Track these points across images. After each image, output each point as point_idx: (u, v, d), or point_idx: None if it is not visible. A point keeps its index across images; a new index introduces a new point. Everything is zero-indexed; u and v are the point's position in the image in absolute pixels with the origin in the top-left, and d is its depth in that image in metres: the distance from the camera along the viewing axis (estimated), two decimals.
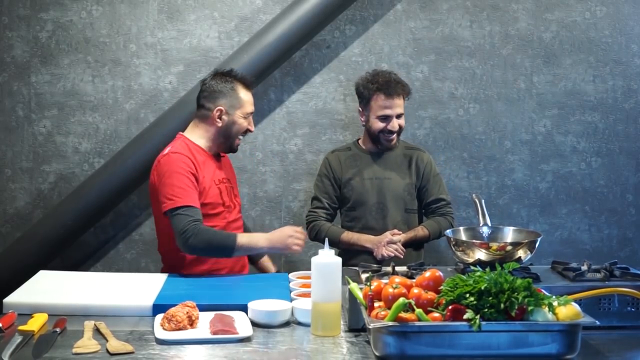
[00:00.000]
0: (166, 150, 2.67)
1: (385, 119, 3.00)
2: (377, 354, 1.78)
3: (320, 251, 1.99)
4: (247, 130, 2.78)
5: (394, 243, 2.88)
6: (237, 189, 2.86)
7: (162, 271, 2.69)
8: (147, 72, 3.59)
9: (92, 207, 3.43)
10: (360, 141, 3.19)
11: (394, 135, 3.04)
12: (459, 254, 2.27)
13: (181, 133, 2.77)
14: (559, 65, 3.71)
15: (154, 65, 3.58)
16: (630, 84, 3.75)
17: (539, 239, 2.24)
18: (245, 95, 2.75)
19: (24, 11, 3.54)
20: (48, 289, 2.28)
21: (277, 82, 3.63)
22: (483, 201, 2.48)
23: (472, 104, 3.70)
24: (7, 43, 3.55)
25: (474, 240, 2.30)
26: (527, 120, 3.74)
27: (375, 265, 2.41)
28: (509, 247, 2.21)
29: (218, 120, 2.72)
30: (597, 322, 1.79)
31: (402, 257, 2.85)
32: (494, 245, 2.21)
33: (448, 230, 2.40)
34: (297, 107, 3.67)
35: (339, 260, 1.98)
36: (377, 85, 3.00)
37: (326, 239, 2.10)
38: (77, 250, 3.62)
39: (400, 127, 3.04)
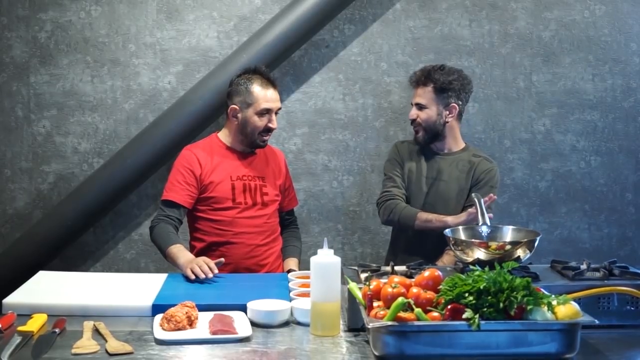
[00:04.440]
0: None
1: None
2: (376, 353, 1.78)
3: (319, 251, 1.99)
4: (269, 129, 2.78)
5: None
6: (273, 187, 2.88)
7: None
8: (146, 72, 3.58)
9: (92, 207, 3.44)
10: None
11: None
12: (458, 253, 2.27)
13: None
14: (558, 64, 3.71)
15: (153, 65, 3.58)
16: (630, 83, 3.75)
17: (538, 238, 2.24)
18: (259, 92, 2.75)
19: (23, 11, 3.54)
20: (47, 290, 2.28)
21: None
22: (482, 200, 2.48)
23: (472, 103, 3.68)
24: (6, 43, 3.55)
25: (473, 240, 2.29)
26: (526, 119, 3.73)
27: (374, 265, 2.40)
28: (508, 246, 2.21)
29: (233, 118, 2.79)
30: (596, 321, 1.79)
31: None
32: (493, 245, 2.21)
33: (447, 230, 2.39)
34: (297, 107, 3.66)
35: (338, 260, 1.98)
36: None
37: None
38: (77, 250, 3.62)
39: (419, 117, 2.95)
